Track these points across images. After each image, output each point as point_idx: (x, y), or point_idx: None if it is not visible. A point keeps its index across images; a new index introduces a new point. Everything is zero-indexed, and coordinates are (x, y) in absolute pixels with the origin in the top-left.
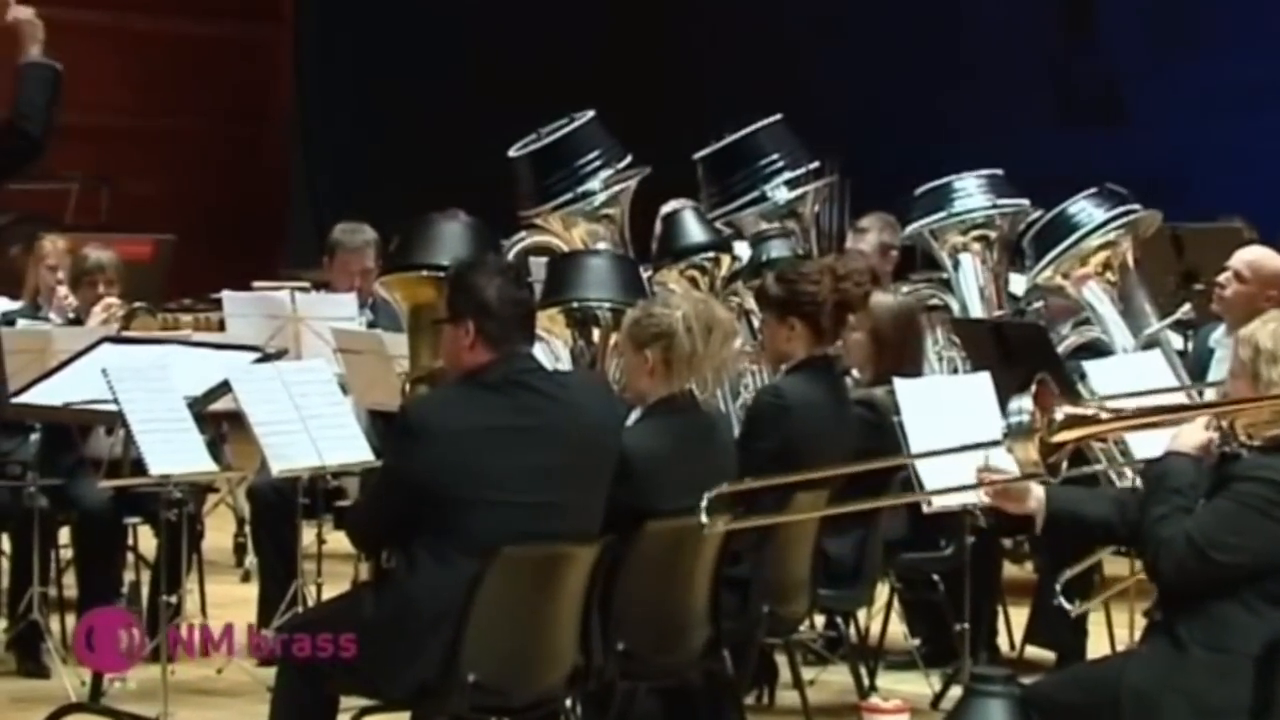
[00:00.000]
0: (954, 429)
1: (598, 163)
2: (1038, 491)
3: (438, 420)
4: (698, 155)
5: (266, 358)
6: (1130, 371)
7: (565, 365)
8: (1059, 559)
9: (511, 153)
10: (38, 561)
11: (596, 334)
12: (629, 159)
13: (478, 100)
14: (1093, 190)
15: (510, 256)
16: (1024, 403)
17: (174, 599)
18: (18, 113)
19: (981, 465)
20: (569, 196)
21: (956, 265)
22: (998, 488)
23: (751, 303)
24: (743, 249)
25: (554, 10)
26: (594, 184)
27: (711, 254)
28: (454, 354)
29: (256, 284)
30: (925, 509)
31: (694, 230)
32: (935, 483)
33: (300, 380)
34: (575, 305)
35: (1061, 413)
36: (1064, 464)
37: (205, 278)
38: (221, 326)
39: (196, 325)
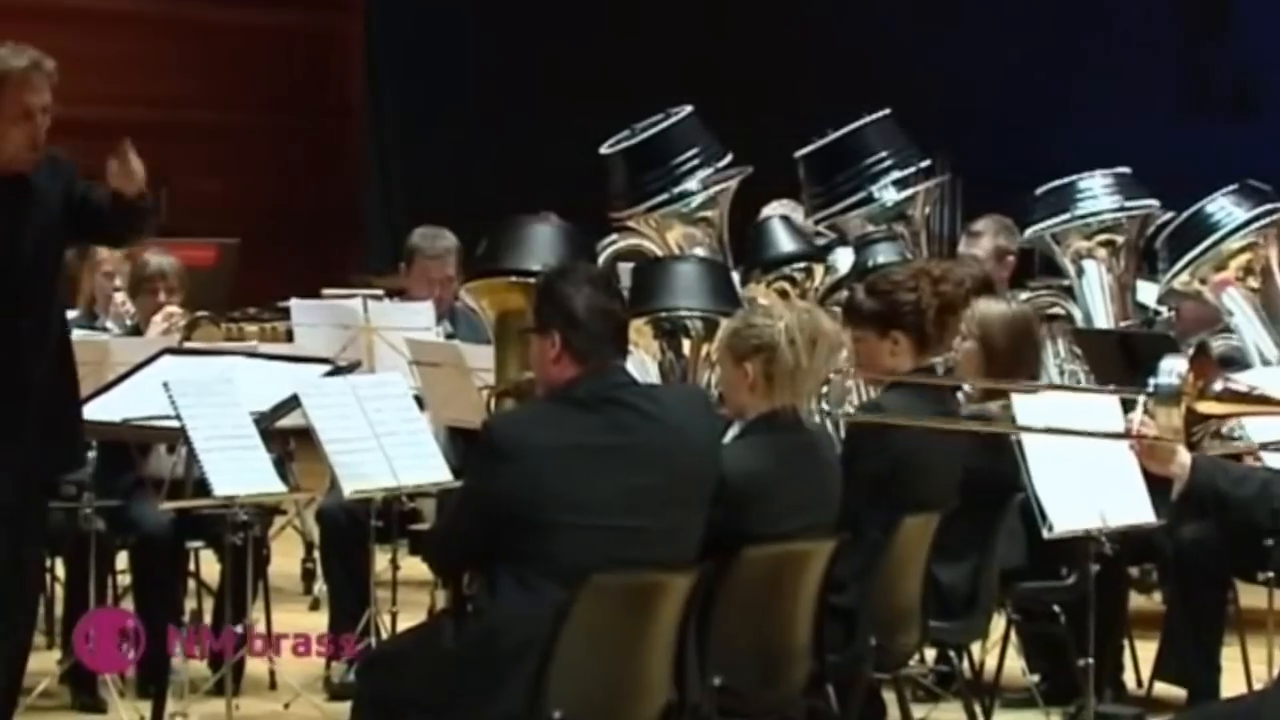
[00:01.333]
0: (1078, 452)
1: (695, 161)
2: (1184, 457)
3: (523, 438)
4: (799, 154)
5: (338, 371)
6: (1273, 385)
7: (653, 379)
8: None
9: (604, 150)
10: (94, 588)
11: (687, 346)
12: (729, 158)
13: (567, 93)
14: (1233, 187)
15: (600, 261)
16: (1178, 364)
17: (239, 628)
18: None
19: (1135, 416)
20: (664, 197)
21: (1080, 272)
22: (1146, 442)
23: None
24: (847, 255)
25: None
26: (691, 184)
27: (802, 265)
28: (541, 367)
29: (326, 291)
30: (1045, 535)
31: (782, 239)
32: (1059, 506)
33: (374, 395)
34: (664, 315)
35: (1220, 383)
36: (1205, 439)
37: (271, 284)
38: (289, 337)
39: (262, 335)
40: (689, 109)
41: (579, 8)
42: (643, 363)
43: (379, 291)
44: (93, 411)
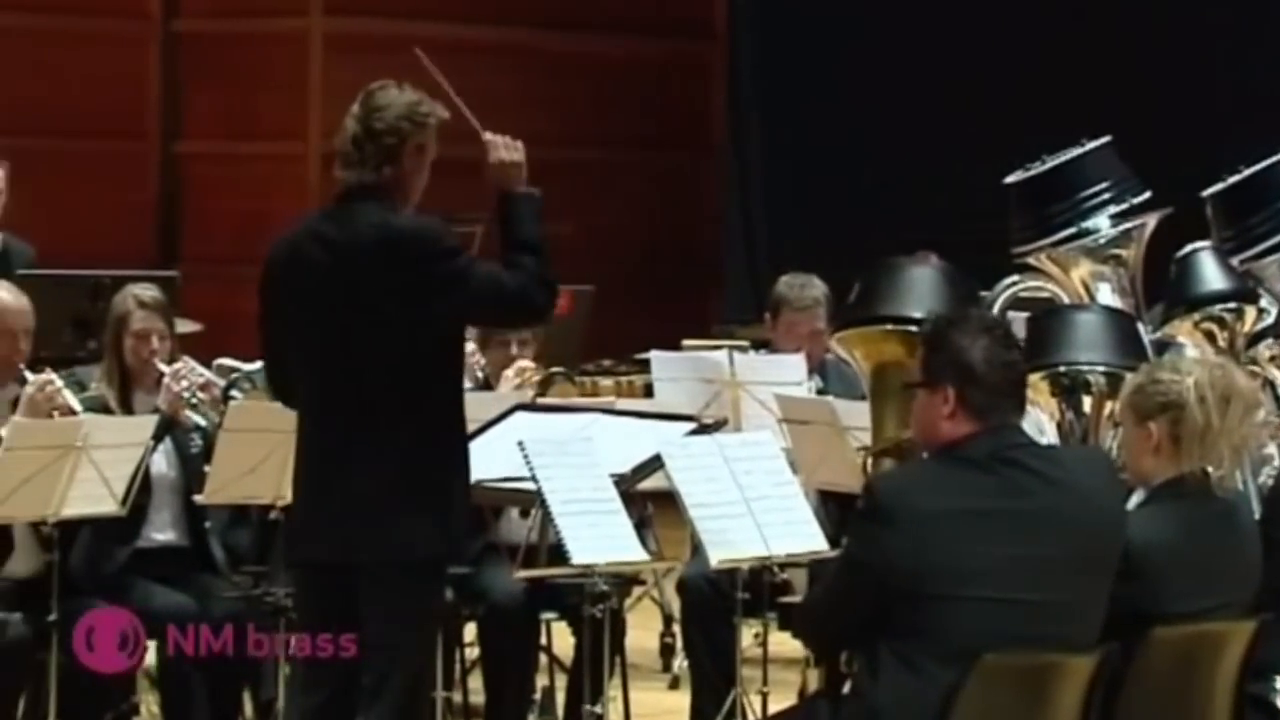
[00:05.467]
0: None
1: (1106, 195)
2: None
3: (910, 501)
4: (1208, 192)
5: (703, 429)
6: None
7: (1051, 439)
8: None
9: (1008, 180)
10: (441, 662)
11: (1087, 403)
12: (1147, 194)
13: (947, 126)
14: None
15: (995, 308)
16: None
17: (596, 708)
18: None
19: None
20: (1071, 231)
21: None
22: None
23: (1276, 370)
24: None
25: (1057, 17)
26: (1099, 219)
27: (1233, 305)
28: (928, 424)
29: (687, 342)
30: None
31: (1212, 275)
32: None
33: (743, 455)
34: (1063, 369)
35: None
36: None
37: (627, 335)
38: (648, 392)
39: (619, 390)
40: (1106, 139)
41: (963, 38)
42: (1039, 421)
43: (744, 343)
44: None
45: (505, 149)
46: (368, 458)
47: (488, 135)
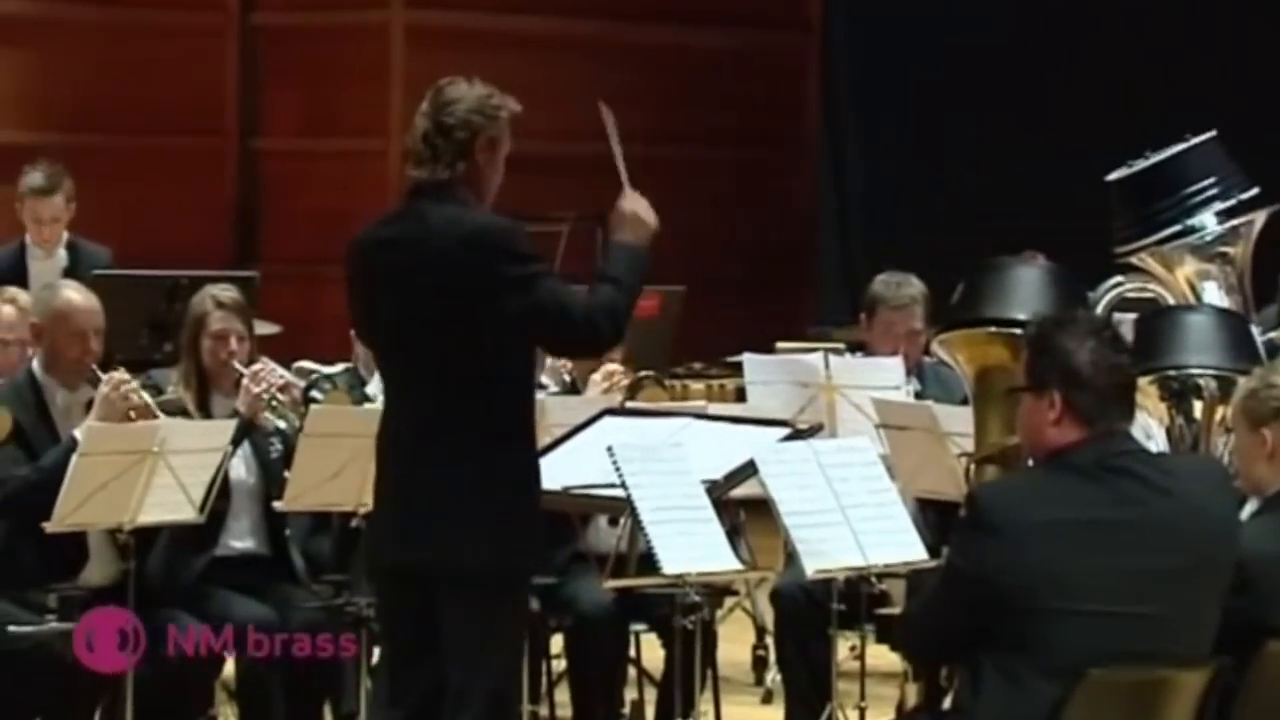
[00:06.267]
0: None
1: (1212, 191)
2: None
3: (1015, 511)
4: (1110, 177)
5: (797, 434)
6: None
7: (1160, 446)
8: None
9: (1110, 177)
10: (527, 674)
11: (1198, 408)
12: (1254, 190)
13: (1049, 120)
14: None
15: (1100, 309)
16: None
17: None
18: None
19: None
20: (1176, 229)
21: None
22: None
23: None
24: None
25: (1162, 10)
26: (1205, 216)
27: None
28: (1034, 430)
29: (780, 345)
30: None
31: None
32: None
33: (839, 462)
34: (1173, 373)
35: None
36: None
37: (718, 337)
38: (740, 396)
39: (709, 394)
40: (1212, 134)
41: (1066, 29)
42: (1148, 427)
43: (839, 345)
44: None
45: (644, 208)
46: (437, 466)
47: (630, 189)
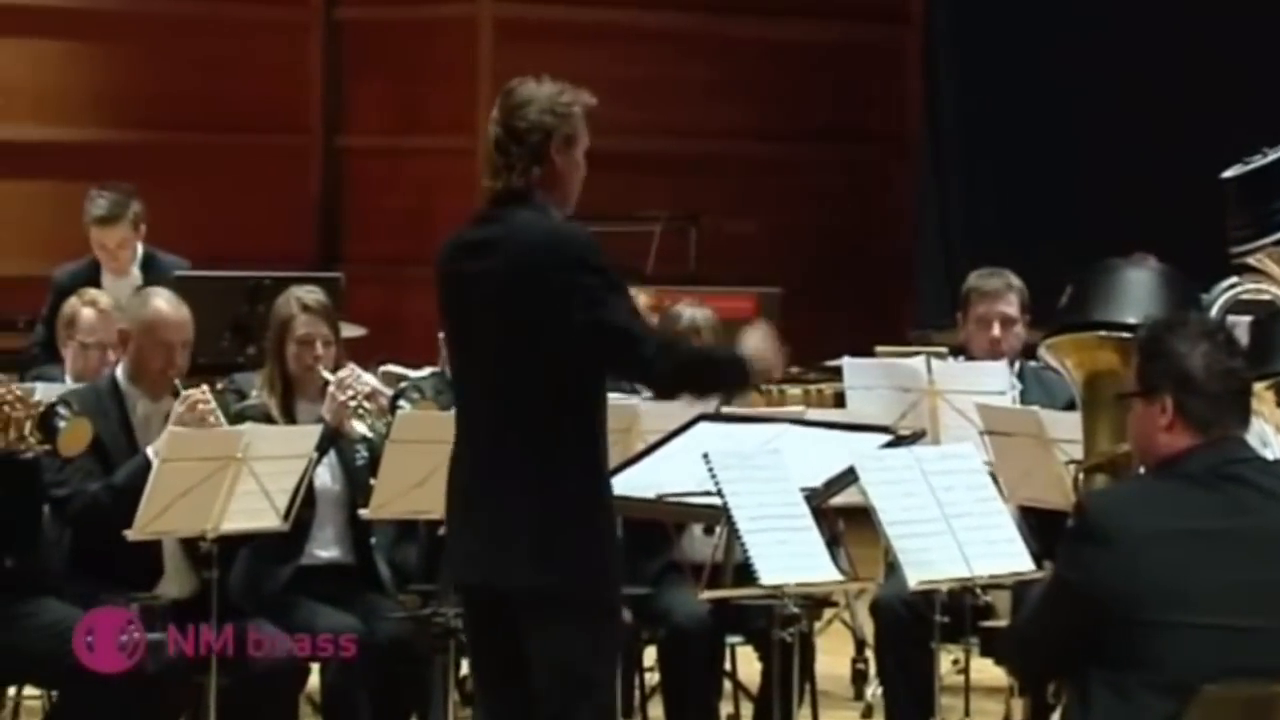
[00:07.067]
0: None
1: None
2: None
3: (1125, 520)
4: (1226, 175)
5: (899, 441)
6: None
7: (1277, 453)
8: None
9: (1226, 175)
10: (619, 688)
11: None
12: None
13: (1158, 116)
14: None
15: (1215, 311)
16: None
17: None
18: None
19: None
20: None
21: None
22: None
23: None
24: None
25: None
26: None
27: None
28: (1145, 437)
29: (880, 348)
30: None
31: None
32: None
33: (942, 469)
34: None
35: None
36: None
37: (816, 340)
38: (839, 401)
39: (808, 399)
40: None
41: (1177, 19)
42: (1264, 434)
43: (941, 349)
44: (620, 485)
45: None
46: (505, 482)
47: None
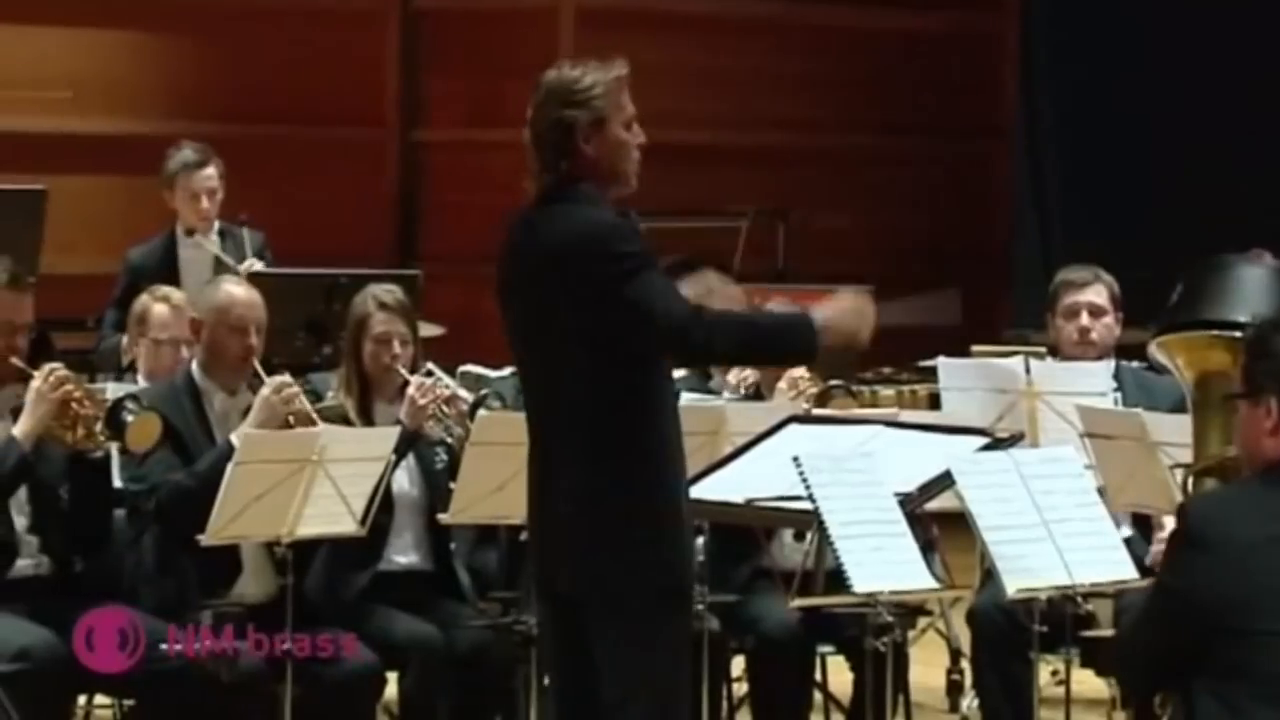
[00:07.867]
0: None
1: None
2: None
3: (1228, 526)
4: None
5: (997, 444)
6: None
7: None
8: None
9: None
10: (706, 697)
11: None
12: None
13: (1262, 106)
14: None
15: None
16: None
17: None
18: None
19: None
20: None
21: None
22: None
23: None
24: None
25: None
26: None
27: None
28: (1251, 439)
29: (976, 348)
30: None
31: None
32: None
33: (1041, 473)
34: None
35: None
36: None
37: (909, 339)
38: (934, 403)
39: (901, 400)
40: None
41: None
42: None
43: (1040, 349)
44: (707, 489)
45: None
46: (558, 479)
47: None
